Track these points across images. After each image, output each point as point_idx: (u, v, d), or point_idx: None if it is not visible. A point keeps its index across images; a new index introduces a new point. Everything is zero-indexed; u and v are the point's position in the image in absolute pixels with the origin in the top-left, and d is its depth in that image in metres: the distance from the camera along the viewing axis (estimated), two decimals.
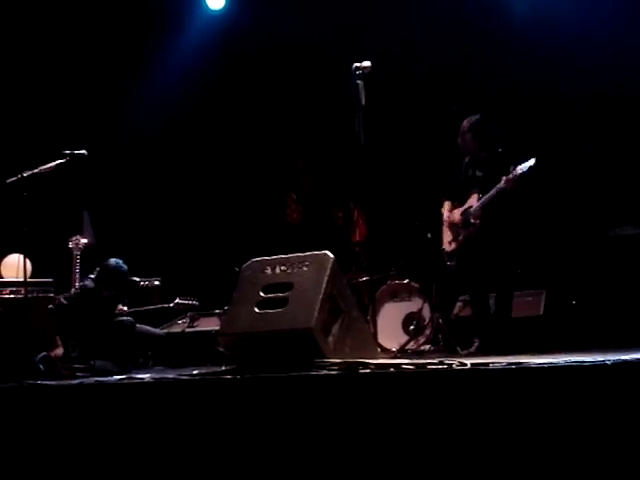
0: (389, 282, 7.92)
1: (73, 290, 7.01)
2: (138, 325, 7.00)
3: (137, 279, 7.35)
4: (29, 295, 6.99)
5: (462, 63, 8.19)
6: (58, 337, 6.67)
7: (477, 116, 6.47)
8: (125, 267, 6.91)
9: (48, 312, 6.78)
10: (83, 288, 6.99)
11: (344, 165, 8.65)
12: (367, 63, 5.93)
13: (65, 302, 6.83)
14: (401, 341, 7.51)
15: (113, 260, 6.94)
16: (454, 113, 7.11)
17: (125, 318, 6.85)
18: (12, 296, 7.48)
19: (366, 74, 5.91)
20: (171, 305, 7.01)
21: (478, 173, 6.39)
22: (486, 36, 8.27)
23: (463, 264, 6.55)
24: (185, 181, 9.54)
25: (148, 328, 7.02)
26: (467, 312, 7.18)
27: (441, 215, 6.77)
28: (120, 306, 6.95)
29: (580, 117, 7.83)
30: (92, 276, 7.05)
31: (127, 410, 4.36)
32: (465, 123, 6.44)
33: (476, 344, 6.21)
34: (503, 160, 6.29)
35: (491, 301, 6.49)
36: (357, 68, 5.91)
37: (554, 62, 7.85)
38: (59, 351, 6.55)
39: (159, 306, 7.02)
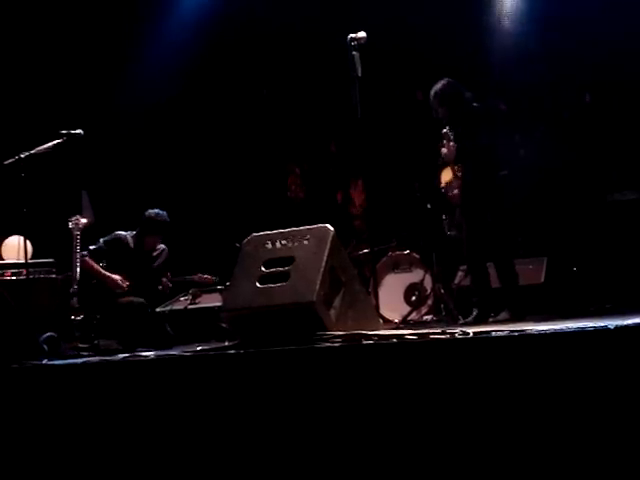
0: (390, 253, 7.93)
1: (99, 245, 7.08)
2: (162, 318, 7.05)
3: None
4: (31, 276, 7.00)
5: (458, 32, 8.14)
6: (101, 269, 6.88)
7: (442, 81, 6.25)
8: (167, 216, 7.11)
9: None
10: (119, 239, 7.11)
11: (342, 137, 8.64)
12: (362, 34, 5.89)
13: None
14: (403, 312, 7.52)
15: (156, 209, 7.17)
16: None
17: (135, 299, 6.88)
18: (14, 278, 7.48)
19: (362, 45, 5.88)
20: (193, 278, 7.09)
21: (456, 140, 6.28)
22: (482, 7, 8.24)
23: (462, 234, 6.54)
24: (184, 158, 9.52)
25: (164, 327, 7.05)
26: (468, 281, 7.18)
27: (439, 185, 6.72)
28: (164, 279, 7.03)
29: (579, 84, 7.80)
30: (125, 233, 7.17)
31: (132, 388, 4.38)
32: (431, 92, 6.25)
33: (474, 313, 6.20)
34: (479, 119, 6.20)
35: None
36: (352, 39, 5.87)
37: (551, 28, 7.80)
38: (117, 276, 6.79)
39: (180, 278, 7.11)
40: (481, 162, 6.16)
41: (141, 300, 6.88)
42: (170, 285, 7.05)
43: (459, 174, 6.32)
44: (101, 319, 6.76)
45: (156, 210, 7.15)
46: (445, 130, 6.32)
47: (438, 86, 6.23)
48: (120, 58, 9.10)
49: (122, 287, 6.80)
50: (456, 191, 6.34)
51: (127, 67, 9.12)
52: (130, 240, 7.11)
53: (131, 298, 6.85)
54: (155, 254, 7.16)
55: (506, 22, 8.18)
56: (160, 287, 7.07)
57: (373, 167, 6.79)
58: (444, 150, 6.36)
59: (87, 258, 6.94)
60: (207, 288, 8.10)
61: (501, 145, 6.50)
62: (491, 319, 6.02)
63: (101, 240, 7.12)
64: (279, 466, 3.84)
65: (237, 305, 4.77)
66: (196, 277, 7.09)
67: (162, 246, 7.24)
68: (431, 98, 6.26)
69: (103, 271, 6.90)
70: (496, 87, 8.00)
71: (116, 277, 6.85)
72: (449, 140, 6.31)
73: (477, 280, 6.35)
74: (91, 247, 7.08)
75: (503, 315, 5.99)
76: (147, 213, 7.15)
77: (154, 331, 6.76)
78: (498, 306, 6.11)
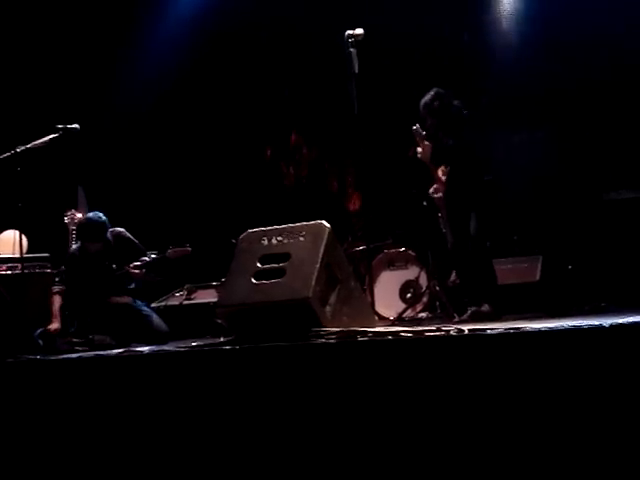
0: (385, 251, 7.94)
1: (61, 268, 7.00)
2: (150, 314, 6.94)
3: None
4: (26, 271, 6.98)
5: (455, 29, 8.15)
6: (57, 312, 6.66)
7: (431, 92, 6.27)
8: (103, 217, 6.80)
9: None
10: (69, 256, 6.98)
11: (338, 134, 8.63)
12: (360, 30, 5.89)
13: (61, 287, 6.80)
14: (398, 309, 7.53)
15: (90, 213, 6.94)
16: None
17: (121, 299, 6.83)
18: (9, 272, 7.47)
19: (359, 42, 5.88)
20: (166, 255, 6.91)
21: (449, 143, 6.32)
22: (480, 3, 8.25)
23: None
24: (179, 154, 9.50)
25: (158, 322, 6.94)
26: None
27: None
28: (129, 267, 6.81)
29: (576, 82, 7.80)
30: (74, 246, 7.07)
31: (127, 383, 4.37)
32: (420, 103, 6.28)
33: (469, 312, 6.22)
34: (466, 124, 6.23)
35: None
36: (350, 36, 5.87)
37: (549, 26, 7.81)
38: (55, 325, 6.55)
39: (152, 257, 6.88)
40: (465, 162, 6.19)
41: (126, 300, 6.84)
42: (137, 271, 6.70)
43: (443, 178, 6.38)
44: (92, 318, 6.71)
45: (89, 215, 6.90)
46: (415, 127, 6.36)
47: (427, 97, 6.28)
48: (117, 53, 9.08)
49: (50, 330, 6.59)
50: (439, 194, 6.41)
51: (124, 62, 9.10)
52: (76, 251, 6.95)
53: (117, 298, 6.80)
54: (103, 250, 6.84)
55: (504, 18, 8.18)
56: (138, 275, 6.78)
57: (369, 163, 6.78)
58: (419, 149, 6.42)
59: (57, 295, 6.76)
60: (203, 284, 8.12)
61: (495, 144, 6.53)
62: (474, 309, 6.05)
63: (62, 267, 7.00)
64: (274, 461, 3.84)
65: (232, 301, 4.77)
66: (170, 252, 6.88)
67: (111, 233, 6.90)
68: (420, 109, 6.29)
69: (53, 311, 6.69)
70: (493, 84, 8.00)
71: (54, 326, 6.60)
72: (422, 139, 6.36)
73: (468, 282, 6.37)
74: (57, 279, 6.89)
75: (485, 307, 6.01)
76: (80, 220, 7.02)
77: (142, 328, 6.69)
78: (478, 300, 6.13)
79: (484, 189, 6.18)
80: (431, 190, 6.55)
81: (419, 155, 6.44)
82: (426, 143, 6.36)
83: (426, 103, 6.26)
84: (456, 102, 6.26)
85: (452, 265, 7.10)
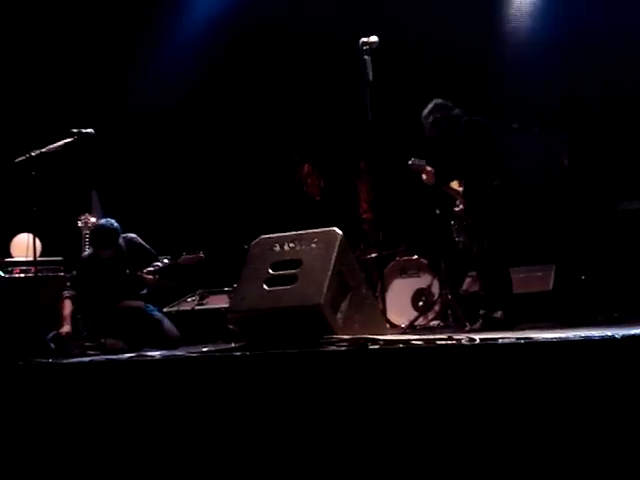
0: (398, 258, 7.94)
1: (72, 273, 7.03)
2: (162, 319, 6.95)
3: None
4: (39, 274, 7.01)
5: (469, 37, 8.14)
6: (68, 316, 6.69)
7: (430, 105, 6.31)
8: (115, 224, 6.83)
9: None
10: (80, 262, 7.02)
11: (352, 141, 8.64)
12: (374, 38, 5.90)
13: (72, 292, 6.84)
14: (410, 317, 7.53)
15: (102, 220, 6.99)
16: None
17: (132, 303, 6.84)
18: (22, 275, 7.51)
19: (373, 49, 5.89)
20: (178, 262, 6.91)
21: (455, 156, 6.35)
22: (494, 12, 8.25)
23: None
24: (193, 159, 9.53)
25: (169, 327, 6.94)
26: (476, 287, 7.18)
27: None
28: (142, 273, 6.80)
29: (590, 90, 7.79)
30: (86, 252, 7.13)
31: (138, 388, 4.38)
32: (422, 114, 6.33)
33: (480, 320, 6.20)
34: (467, 133, 6.23)
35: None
36: (364, 43, 5.88)
37: (564, 34, 7.80)
38: (67, 329, 6.58)
39: (165, 263, 6.88)
40: (474, 171, 6.20)
41: (137, 305, 6.86)
42: (150, 277, 6.75)
43: (460, 189, 6.46)
44: (103, 322, 6.72)
45: (101, 222, 6.96)
46: (410, 162, 6.61)
47: (427, 109, 6.32)
48: (132, 58, 9.12)
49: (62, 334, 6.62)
50: (460, 207, 6.55)
51: (139, 67, 9.14)
52: (87, 257, 7.01)
53: (129, 303, 6.82)
54: (115, 256, 6.87)
55: (518, 28, 8.18)
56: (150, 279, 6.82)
57: (382, 170, 6.80)
58: (424, 177, 6.57)
59: (68, 299, 6.83)
60: (215, 290, 8.12)
61: (508, 152, 6.52)
62: (485, 312, 6.04)
63: (74, 272, 7.05)
64: (283, 468, 3.84)
65: (244, 307, 4.77)
66: (182, 259, 6.87)
67: (123, 239, 6.95)
68: (422, 120, 6.33)
69: (65, 315, 6.75)
70: (507, 93, 7.99)
71: (65, 330, 6.66)
72: (422, 167, 6.57)
73: (491, 291, 6.35)
74: (68, 284, 6.97)
75: (498, 314, 6.00)
76: (92, 225, 7.10)
77: (153, 333, 6.70)
78: (492, 306, 6.12)
79: (495, 195, 6.18)
80: (457, 209, 6.65)
81: (425, 182, 6.59)
82: (428, 169, 6.54)
83: (426, 115, 6.32)
84: (456, 111, 6.28)
85: (471, 273, 7.12)
